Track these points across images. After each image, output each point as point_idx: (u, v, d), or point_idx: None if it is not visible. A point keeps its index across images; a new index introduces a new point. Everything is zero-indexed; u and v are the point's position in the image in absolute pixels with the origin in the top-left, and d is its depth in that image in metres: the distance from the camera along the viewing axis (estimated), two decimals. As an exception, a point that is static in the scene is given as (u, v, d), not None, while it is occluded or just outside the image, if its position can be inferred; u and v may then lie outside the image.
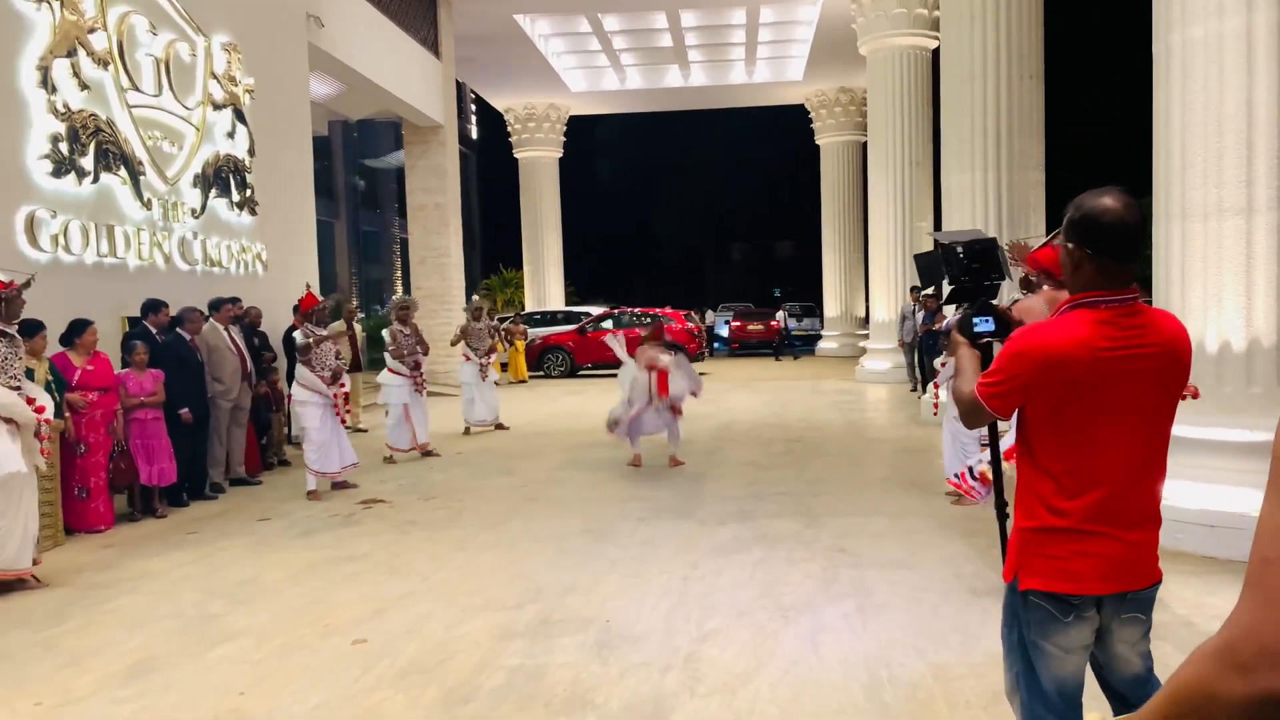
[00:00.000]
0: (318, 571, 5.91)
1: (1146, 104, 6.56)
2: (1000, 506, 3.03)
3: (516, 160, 27.53)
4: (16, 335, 5.88)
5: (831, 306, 26.40)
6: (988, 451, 5.33)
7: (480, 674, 4.15)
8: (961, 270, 2.88)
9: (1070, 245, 2.28)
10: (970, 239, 2.94)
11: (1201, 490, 5.30)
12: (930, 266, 3.01)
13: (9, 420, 5.59)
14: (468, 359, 12.11)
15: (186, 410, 7.94)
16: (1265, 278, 5.79)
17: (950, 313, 5.12)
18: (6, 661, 4.48)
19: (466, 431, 11.99)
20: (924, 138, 17.27)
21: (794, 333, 29.60)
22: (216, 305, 8.87)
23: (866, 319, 22.12)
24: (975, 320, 2.72)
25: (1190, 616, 4.58)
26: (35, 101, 8.02)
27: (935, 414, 7.58)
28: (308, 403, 8.39)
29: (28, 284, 6.02)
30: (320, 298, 9.50)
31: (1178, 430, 5.95)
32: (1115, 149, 23.02)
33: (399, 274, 33.66)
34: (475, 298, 14.06)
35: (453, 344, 12.57)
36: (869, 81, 18.12)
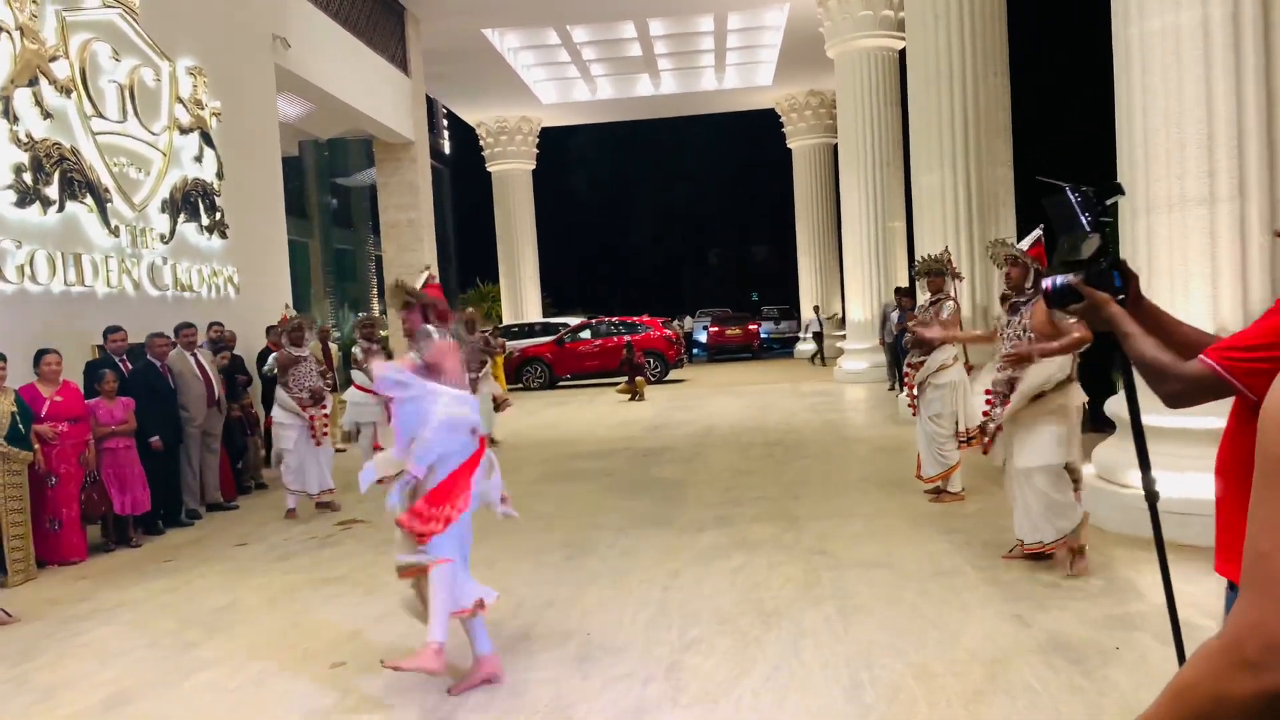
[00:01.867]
0: (296, 595, 5.85)
1: (1109, 98, 6.63)
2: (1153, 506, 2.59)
3: (490, 174, 27.50)
4: None
5: (808, 309, 26.47)
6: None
7: (460, 693, 4.11)
8: (1096, 214, 2.45)
9: None
10: (1099, 186, 2.53)
11: (1173, 479, 5.33)
12: (1063, 211, 2.51)
13: None
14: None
15: (156, 438, 7.86)
16: (1229, 266, 5.85)
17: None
18: (-22, 700, 4.41)
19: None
20: (894, 138, 17.37)
21: (772, 336, 29.69)
22: (176, 331, 8.76)
23: (843, 320, 22.21)
24: (1114, 275, 2.32)
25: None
26: (-4, 131, 7.93)
27: (914, 414, 7.60)
28: (284, 424, 8.35)
29: None
30: (295, 315, 9.44)
31: (1152, 420, 5.99)
32: (1081, 143, 23.24)
33: (375, 291, 33.52)
34: (469, 309, 13.95)
35: None
36: (838, 84, 18.22)
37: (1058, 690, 3.74)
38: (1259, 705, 0.95)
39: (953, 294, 7.35)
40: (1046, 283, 2.39)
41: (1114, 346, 2.28)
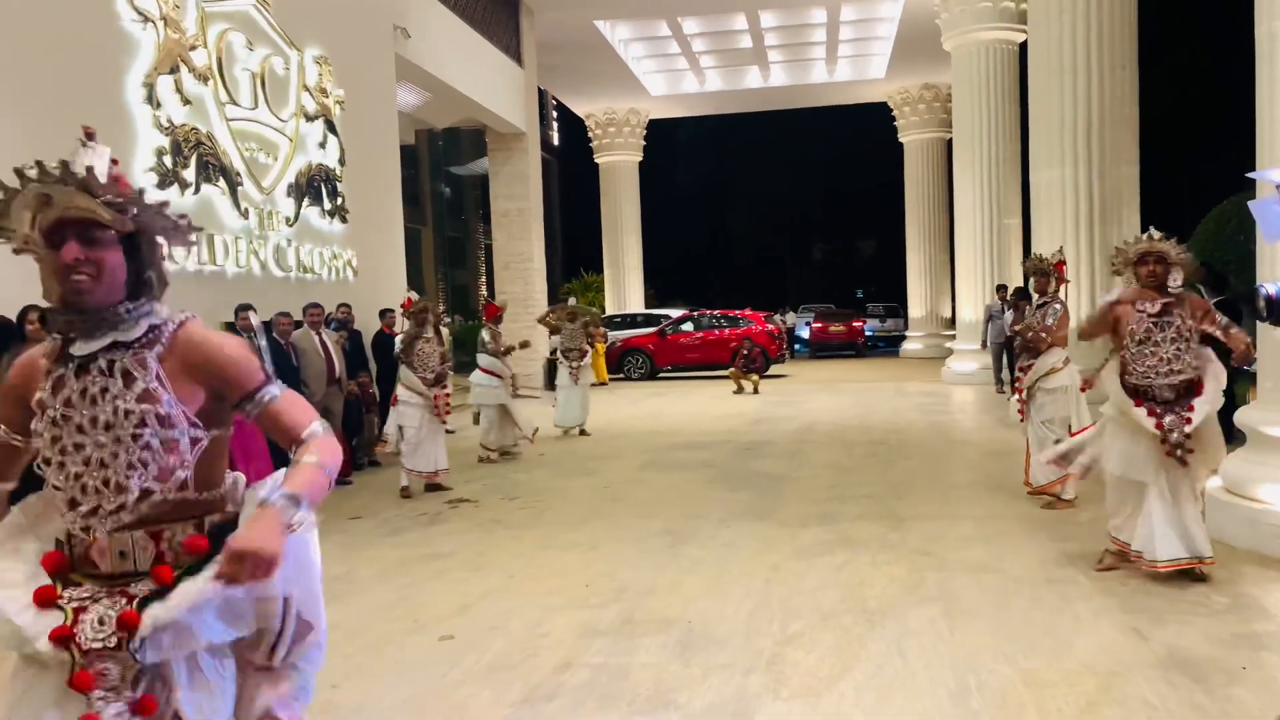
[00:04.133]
0: (406, 568, 6.06)
1: (1245, 93, 6.31)
2: None
3: (597, 165, 27.76)
4: None
5: (916, 307, 25.95)
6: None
7: (564, 671, 4.20)
8: None
9: None
10: None
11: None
12: (1271, 215, 2.35)
13: None
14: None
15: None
16: (1379, 272, 5.52)
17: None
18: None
19: (571, 433, 12.14)
20: (1011, 134, 16.88)
21: (877, 334, 29.11)
22: (304, 310, 9.15)
23: (953, 319, 21.70)
24: None
25: (1298, 626, 4.39)
26: (141, 117, 8.41)
27: (1021, 419, 7.40)
28: (409, 402, 8.59)
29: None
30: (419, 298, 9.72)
31: (1272, 430, 5.68)
32: (1213, 141, 22.13)
33: (484, 279, 34.22)
34: (572, 300, 14.19)
35: (541, 320, 13.14)
36: (953, 77, 17.80)
37: (1177, 707, 3.60)
38: None
39: (1061, 295, 7.15)
40: (1264, 289, 2.24)
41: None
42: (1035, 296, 7.24)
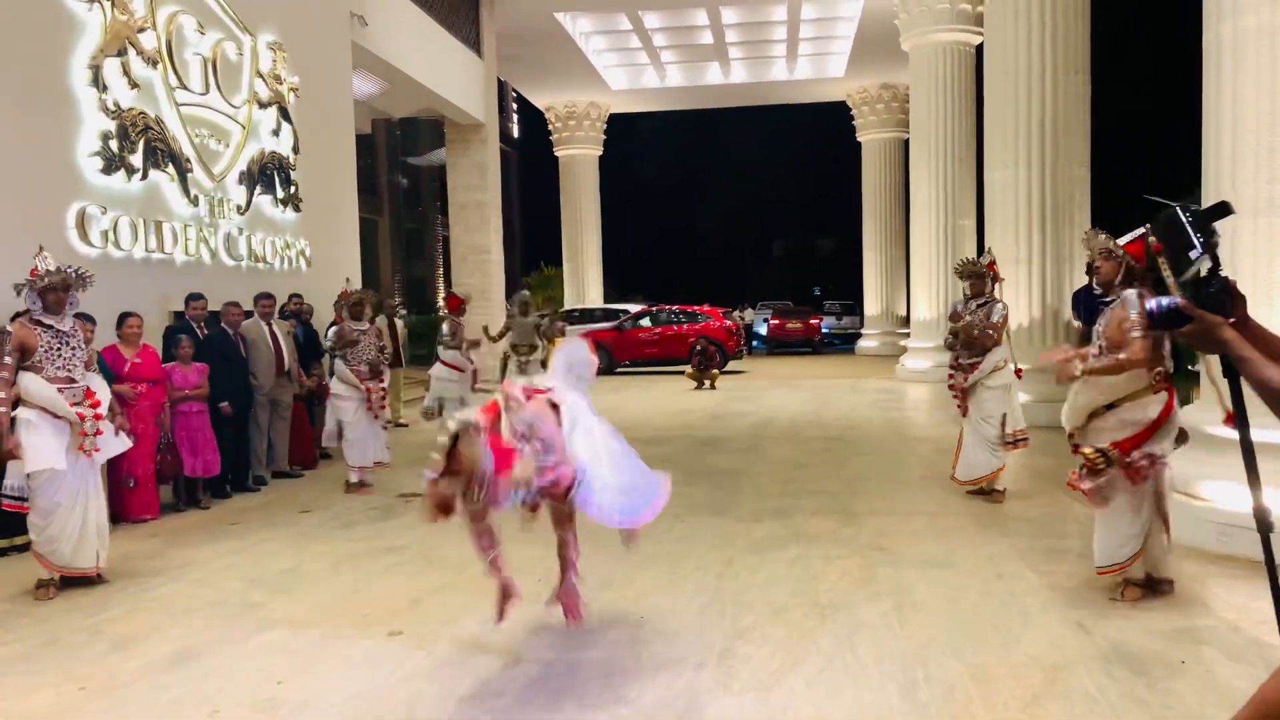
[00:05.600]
0: (357, 563, 5.98)
1: (1195, 98, 6.43)
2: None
3: (557, 158, 27.63)
4: (66, 329, 5.61)
5: (872, 305, 26.18)
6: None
7: (514, 667, 4.17)
8: (1208, 235, 2.45)
9: None
10: (1210, 206, 2.54)
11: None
12: (1173, 231, 2.51)
13: (58, 414, 5.42)
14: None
15: (226, 404, 8.06)
16: (1319, 275, 5.64)
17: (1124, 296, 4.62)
18: (54, 645, 4.59)
19: None
20: (967, 134, 17.07)
21: (834, 331, 29.26)
22: (255, 301, 8.99)
23: (908, 317, 21.92)
24: (1223, 299, 2.28)
25: (1238, 621, 4.48)
26: (86, 100, 8.20)
27: (963, 415, 7.52)
28: (343, 396, 8.47)
29: (82, 281, 5.68)
30: (357, 291, 9.60)
31: (1221, 432, 5.78)
32: (1163, 143, 22.57)
33: (441, 271, 33.96)
34: (524, 292, 14.03)
35: (495, 339, 12.54)
36: (911, 78, 17.95)
37: (1118, 700, 3.66)
38: None
39: (999, 295, 7.31)
40: (1151, 304, 2.33)
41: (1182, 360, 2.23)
42: (971, 296, 7.36)
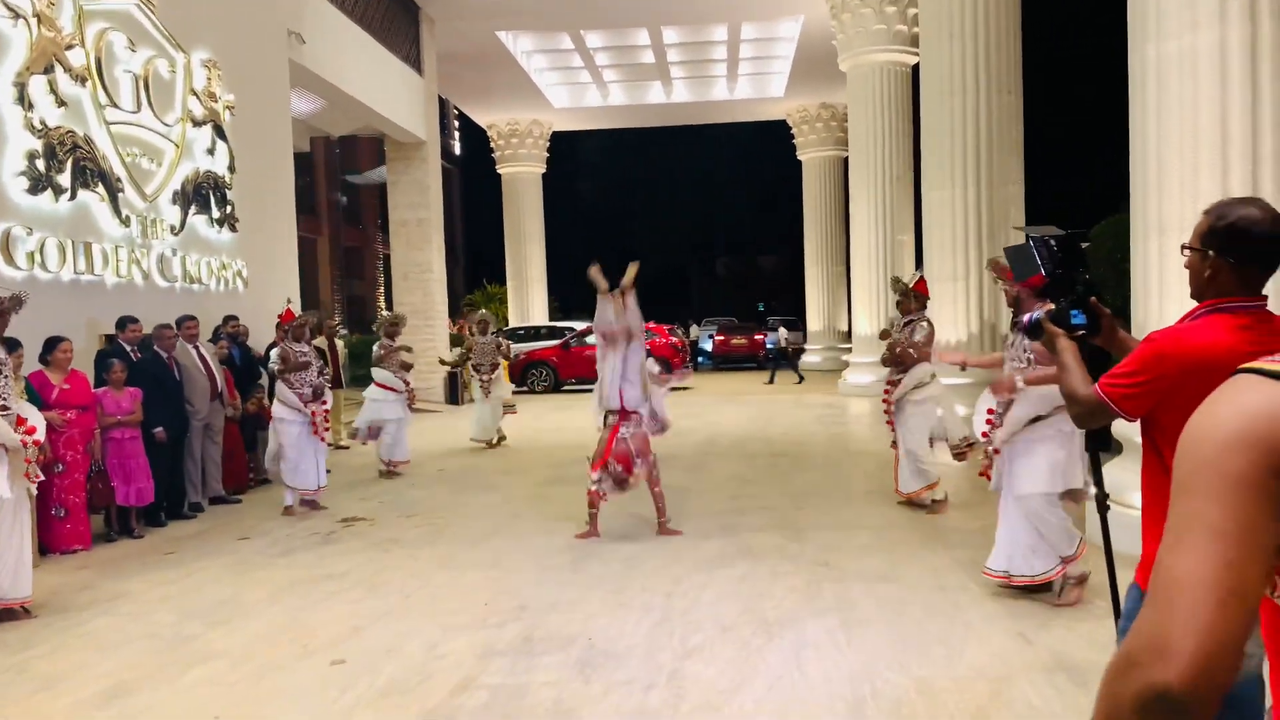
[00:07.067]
0: (297, 590, 5.84)
1: (1123, 117, 6.62)
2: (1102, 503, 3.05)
3: (500, 176, 27.54)
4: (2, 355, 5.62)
5: (814, 320, 26.46)
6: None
7: (461, 693, 4.10)
8: (1055, 264, 2.78)
9: (1210, 253, 2.24)
10: (1063, 233, 2.86)
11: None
12: (1022, 259, 2.87)
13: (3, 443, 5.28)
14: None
15: (160, 430, 7.85)
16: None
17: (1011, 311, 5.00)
18: (-22, 686, 4.41)
19: (491, 443, 11.99)
20: (905, 153, 17.36)
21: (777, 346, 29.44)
22: (178, 324, 8.71)
23: (849, 333, 22.17)
24: (1073, 313, 2.63)
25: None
26: (11, 118, 7.96)
27: (891, 430, 7.69)
28: (286, 419, 8.33)
29: (16, 301, 5.67)
30: (298, 313, 9.47)
31: (1130, 430, 5.95)
32: (1092, 163, 23.24)
33: (382, 290, 33.58)
34: (482, 311, 13.98)
35: (455, 365, 12.39)
36: (849, 97, 18.22)
37: (1062, 710, 3.72)
38: (1142, 704, 0.96)
39: (925, 313, 7.52)
40: (1025, 317, 2.74)
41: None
42: (900, 314, 7.61)
